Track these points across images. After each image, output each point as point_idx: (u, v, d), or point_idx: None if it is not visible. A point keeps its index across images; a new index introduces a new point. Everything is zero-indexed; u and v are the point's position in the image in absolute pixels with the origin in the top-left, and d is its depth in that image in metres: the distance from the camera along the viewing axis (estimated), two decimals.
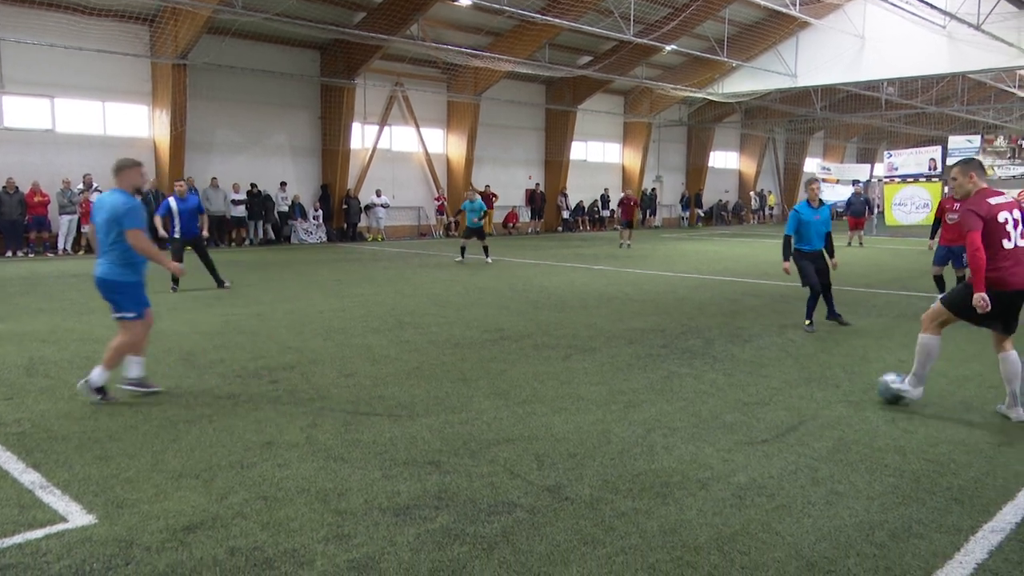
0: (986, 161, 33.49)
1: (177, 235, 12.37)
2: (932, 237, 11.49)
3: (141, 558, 3.43)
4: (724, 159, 43.39)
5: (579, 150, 34.12)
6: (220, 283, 12.67)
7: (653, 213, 37.46)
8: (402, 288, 13.01)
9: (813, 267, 9.22)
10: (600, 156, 35.89)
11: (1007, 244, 5.34)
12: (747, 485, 4.32)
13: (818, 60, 29.12)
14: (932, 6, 21.72)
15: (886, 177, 30.91)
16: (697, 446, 4.97)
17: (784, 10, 25.83)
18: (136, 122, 21.54)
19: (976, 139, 34.48)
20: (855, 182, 29.34)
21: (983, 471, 4.56)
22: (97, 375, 5.87)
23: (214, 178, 22.52)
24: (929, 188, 28.87)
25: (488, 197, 29.69)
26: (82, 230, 19.39)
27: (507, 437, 5.13)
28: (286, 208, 24.45)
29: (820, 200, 9.29)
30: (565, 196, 32.99)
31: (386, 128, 27.39)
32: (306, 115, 25.19)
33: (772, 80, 30.22)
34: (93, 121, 20.89)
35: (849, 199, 25.62)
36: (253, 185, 23.38)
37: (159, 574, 3.30)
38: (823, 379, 6.75)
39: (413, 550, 3.53)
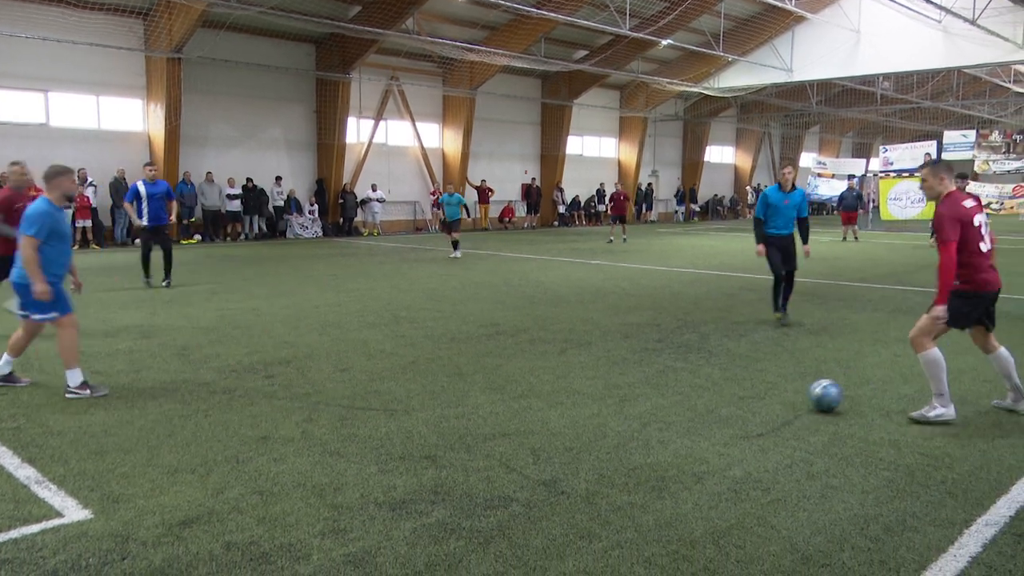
0: (981, 156, 33.59)
1: (145, 222, 11.97)
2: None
3: (137, 553, 3.43)
4: (720, 154, 43.39)
5: (575, 145, 34.07)
6: (167, 278, 12.18)
7: (649, 208, 37.46)
8: (398, 283, 13.00)
9: (779, 254, 9.13)
10: (596, 151, 35.86)
11: (983, 247, 5.38)
12: (742, 479, 4.33)
13: (814, 55, 29.17)
14: (928, 0, 21.74)
15: (881, 172, 30.94)
16: (692, 440, 4.98)
17: (780, 4, 25.85)
18: (130, 116, 21.45)
19: (971, 134, 34.50)
20: (850, 177, 29.38)
21: (977, 465, 4.58)
22: (70, 376, 5.84)
23: (209, 172, 22.46)
24: None
25: (484, 191, 29.77)
26: (76, 224, 19.31)
27: (503, 431, 5.14)
28: (282, 203, 24.38)
29: (793, 184, 9.20)
30: (561, 191, 32.96)
31: (382, 122, 27.32)
32: (301, 109, 25.12)
33: (768, 75, 30.27)
34: (87, 115, 20.79)
35: (842, 194, 25.67)
36: (248, 180, 23.31)
37: (155, 569, 3.30)
38: (818, 373, 6.75)
39: (409, 544, 3.54)
